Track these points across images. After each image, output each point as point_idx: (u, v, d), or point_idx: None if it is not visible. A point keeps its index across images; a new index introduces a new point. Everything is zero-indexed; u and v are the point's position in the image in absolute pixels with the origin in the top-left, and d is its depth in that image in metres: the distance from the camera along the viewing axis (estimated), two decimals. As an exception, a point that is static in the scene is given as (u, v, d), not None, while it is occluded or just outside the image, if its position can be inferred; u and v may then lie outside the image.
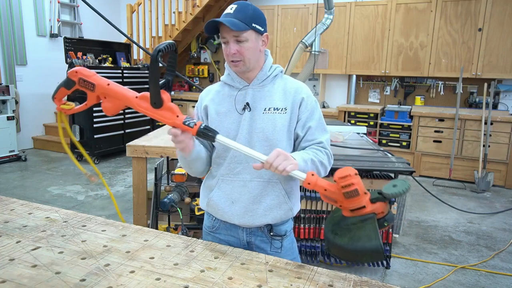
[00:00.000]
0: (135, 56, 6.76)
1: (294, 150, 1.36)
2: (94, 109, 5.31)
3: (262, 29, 1.25)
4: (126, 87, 1.17)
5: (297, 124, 1.31)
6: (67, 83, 1.20)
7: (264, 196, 1.30)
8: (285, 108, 1.29)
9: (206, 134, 1.11)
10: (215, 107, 1.33)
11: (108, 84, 1.15)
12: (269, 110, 1.28)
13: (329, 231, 1.09)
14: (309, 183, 1.09)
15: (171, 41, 1.11)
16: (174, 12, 6.31)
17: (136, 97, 1.13)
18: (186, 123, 1.10)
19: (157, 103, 1.10)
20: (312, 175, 1.10)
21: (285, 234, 1.39)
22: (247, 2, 1.24)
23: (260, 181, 1.30)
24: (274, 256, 1.13)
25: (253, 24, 1.21)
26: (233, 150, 1.27)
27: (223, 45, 1.26)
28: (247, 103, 1.29)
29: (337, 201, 1.07)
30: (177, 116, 1.10)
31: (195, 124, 1.11)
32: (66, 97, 1.27)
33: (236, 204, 1.31)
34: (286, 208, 1.34)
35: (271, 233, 1.36)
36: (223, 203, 1.33)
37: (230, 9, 1.22)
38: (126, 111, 5.86)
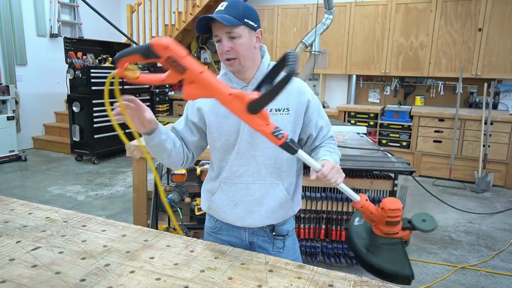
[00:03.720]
0: (135, 56, 6.76)
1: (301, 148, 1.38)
2: (94, 109, 5.32)
3: (255, 25, 1.23)
4: (219, 79, 1.04)
5: (309, 125, 1.33)
6: (149, 54, 0.98)
7: (266, 198, 1.30)
8: (287, 109, 1.27)
9: (290, 147, 1.07)
10: (213, 109, 1.29)
11: (201, 72, 1.00)
12: (270, 111, 1.26)
13: (360, 243, 1.17)
14: (362, 207, 1.17)
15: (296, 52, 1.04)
16: (174, 12, 6.31)
17: (230, 94, 1.02)
18: (275, 134, 1.05)
19: (256, 110, 1.01)
20: (366, 200, 1.18)
21: (287, 234, 1.39)
22: (238, 0, 1.23)
23: (262, 183, 1.29)
24: (274, 256, 1.13)
25: (245, 20, 1.19)
26: (235, 152, 1.27)
27: (216, 44, 1.23)
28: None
29: (375, 222, 1.16)
30: (267, 125, 1.04)
31: (283, 136, 1.05)
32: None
33: (239, 206, 1.31)
34: (287, 207, 1.34)
35: (273, 233, 1.36)
36: (225, 205, 1.32)
37: (221, 6, 1.20)
38: (126, 111, 5.86)
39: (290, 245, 1.41)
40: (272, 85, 1.00)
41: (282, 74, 0.97)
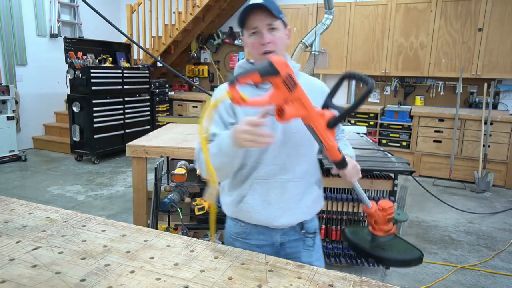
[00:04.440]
0: (135, 56, 6.77)
1: None
2: (94, 109, 5.32)
3: (286, 22, 1.24)
4: None
5: None
6: (269, 71, 0.94)
7: (301, 195, 1.30)
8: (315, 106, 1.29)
9: (342, 165, 1.18)
10: (243, 109, 1.22)
11: (302, 89, 1.02)
12: None
13: (373, 248, 1.27)
14: (375, 210, 1.26)
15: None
16: (174, 12, 6.31)
17: (317, 112, 1.08)
18: (339, 149, 1.15)
19: (334, 125, 1.09)
20: (376, 205, 1.29)
21: (315, 232, 1.41)
22: None
23: (297, 181, 1.28)
24: (274, 257, 1.13)
25: (280, 15, 1.19)
26: (270, 152, 1.24)
27: (250, 38, 1.20)
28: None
29: (378, 222, 1.26)
30: (334, 140, 1.14)
31: (341, 152, 1.16)
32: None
33: (274, 205, 1.28)
34: (318, 201, 1.37)
35: (302, 231, 1.37)
36: (259, 205, 1.28)
37: None
38: (126, 111, 5.86)
39: (318, 243, 1.43)
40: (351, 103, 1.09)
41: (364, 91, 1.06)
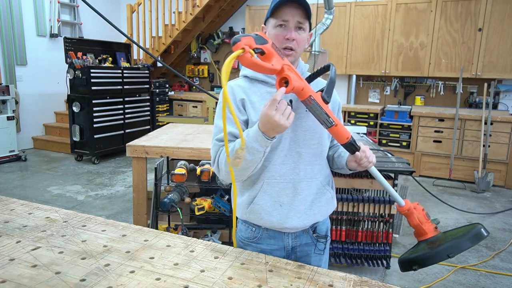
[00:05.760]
0: (135, 56, 6.77)
1: None
2: (94, 109, 5.32)
3: (310, 27, 1.24)
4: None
5: None
6: (260, 39, 1.04)
7: (313, 196, 1.26)
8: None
9: (354, 146, 1.18)
10: (252, 105, 1.21)
11: None
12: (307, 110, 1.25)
13: (439, 246, 1.20)
14: (408, 209, 1.25)
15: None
16: (174, 12, 6.31)
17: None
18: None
19: (328, 97, 1.12)
20: (414, 207, 1.27)
21: (327, 235, 1.37)
22: None
23: (309, 181, 1.25)
24: (274, 257, 1.13)
25: (310, 18, 1.20)
26: (280, 150, 1.21)
27: (276, 29, 1.19)
28: (291, 101, 1.19)
29: (422, 222, 1.24)
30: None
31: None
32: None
33: (285, 207, 1.24)
34: (330, 202, 1.33)
35: (315, 234, 1.33)
36: (269, 206, 1.23)
37: None
38: (126, 111, 5.86)
39: (327, 246, 1.40)
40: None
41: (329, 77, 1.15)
